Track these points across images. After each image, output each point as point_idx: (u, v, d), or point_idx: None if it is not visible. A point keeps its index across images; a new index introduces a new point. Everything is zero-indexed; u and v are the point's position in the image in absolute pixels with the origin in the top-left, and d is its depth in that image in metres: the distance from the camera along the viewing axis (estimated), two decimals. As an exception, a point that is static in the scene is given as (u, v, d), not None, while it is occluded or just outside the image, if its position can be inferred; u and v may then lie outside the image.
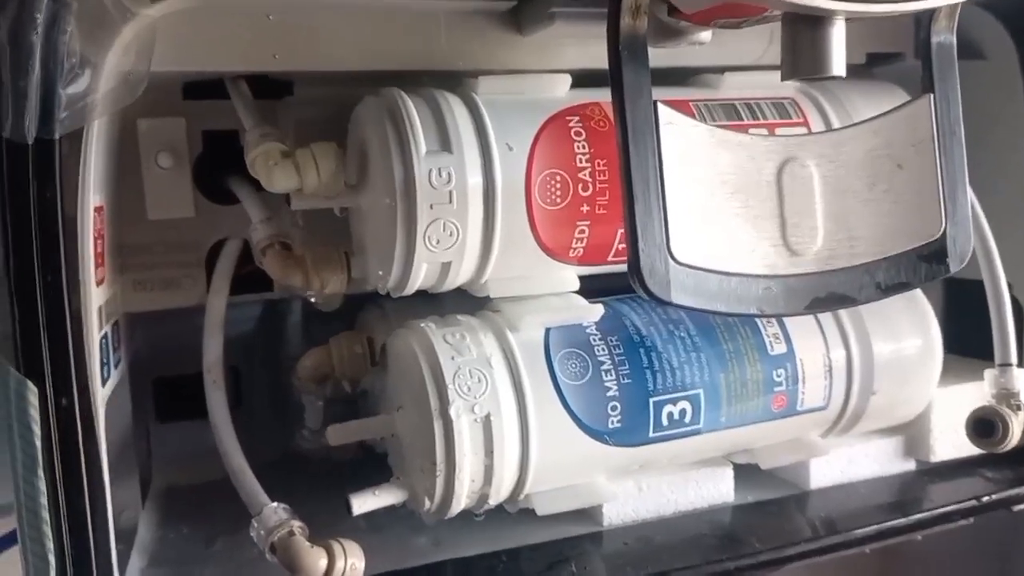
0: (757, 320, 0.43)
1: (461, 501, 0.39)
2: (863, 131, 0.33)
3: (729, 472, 0.46)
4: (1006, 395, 0.44)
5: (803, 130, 0.43)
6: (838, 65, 0.30)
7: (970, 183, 0.46)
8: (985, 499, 0.47)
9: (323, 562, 0.37)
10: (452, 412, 0.37)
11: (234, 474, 0.40)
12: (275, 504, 0.39)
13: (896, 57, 0.49)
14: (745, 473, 0.46)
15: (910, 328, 0.46)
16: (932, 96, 0.33)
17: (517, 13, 0.40)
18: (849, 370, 0.45)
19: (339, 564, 0.37)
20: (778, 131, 0.42)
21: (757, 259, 0.31)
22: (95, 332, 0.35)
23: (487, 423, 0.38)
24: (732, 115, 0.42)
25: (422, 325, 0.40)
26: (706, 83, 0.44)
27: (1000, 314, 0.45)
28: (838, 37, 0.30)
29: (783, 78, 0.31)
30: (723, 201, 0.31)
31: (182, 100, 0.43)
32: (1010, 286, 0.46)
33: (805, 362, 0.44)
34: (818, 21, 0.29)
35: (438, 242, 0.37)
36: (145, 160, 0.42)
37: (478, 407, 0.38)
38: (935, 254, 0.33)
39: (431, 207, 0.36)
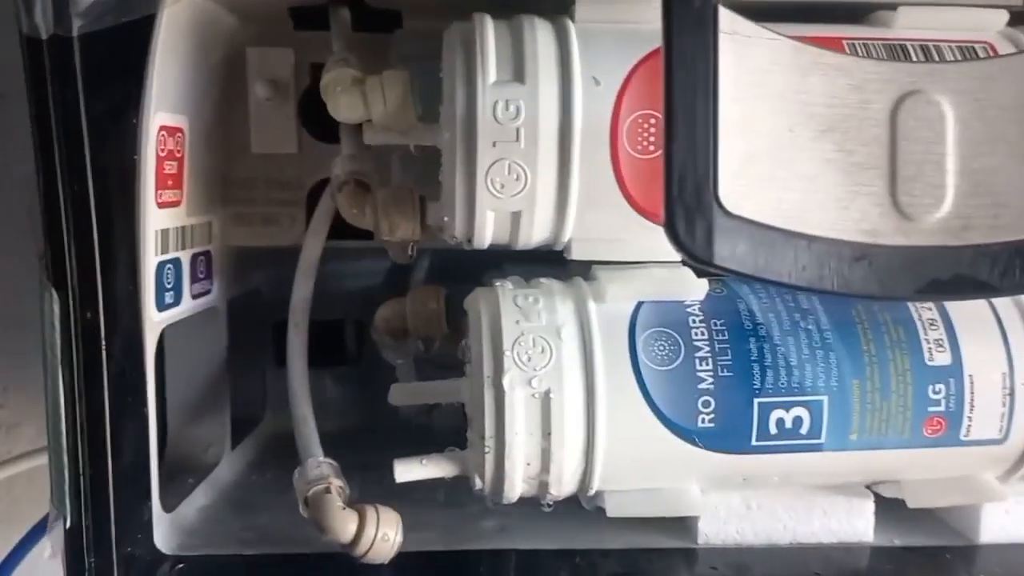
0: (915, 318, 0.35)
1: (516, 485, 0.34)
2: (1030, 61, 0.24)
3: (869, 504, 0.37)
4: None
5: (997, 83, 0.33)
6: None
7: None
8: None
9: (352, 527, 0.34)
10: (505, 382, 0.33)
11: (296, 421, 0.38)
12: (321, 458, 0.36)
13: None
14: (892, 508, 0.37)
15: None
16: None
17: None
18: (1041, 397, 0.35)
19: (369, 531, 0.34)
20: (960, 82, 0.33)
21: (851, 220, 0.24)
22: (150, 254, 0.34)
23: (546, 400, 0.33)
24: (896, 56, 0.33)
25: (497, 284, 0.35)
26: (880, 20, 0.36)
27: None
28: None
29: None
30: (808, 140, 0.24)
31: (292, 31, 0.41)
32: None
33: (976, 379, 0.34)
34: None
35: (503, 186, 0.32)
36: (251, 90, 0.41)
37: (536, 381, 0.33)
38: None
39: (494, 144, 0.32)
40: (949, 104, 0.24)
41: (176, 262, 0.37)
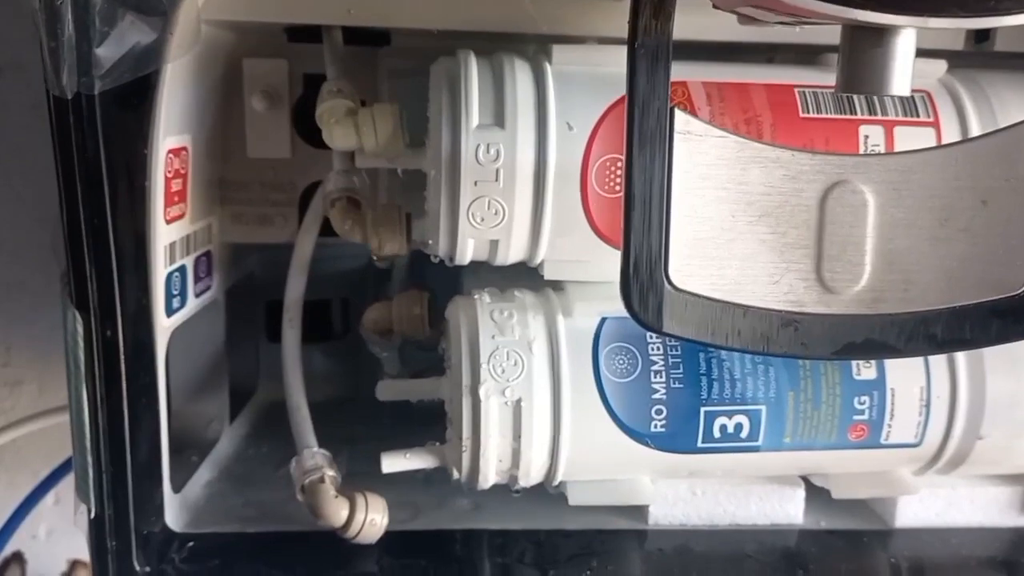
0: (846, 338, 0.39)
1: (489, 477, 0.39)
2: (943, 157, 0.28)
3: (800, 492, 0.42)
4: None
5: (931, 132, 0.37)
6: (900, 84, 0.25)
7: None
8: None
9: (344, 513, 0.38)
10: (482, 392, 0.37)
11: (291, 410, 0.42)
12: (316, 449, 0.40)
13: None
14: (822, 495, 0.42)
15: (1043, 369, 0.40)
16: (1045, 123, 0.27)
17: (613, -26, 0.37)
18: (952, 408, 0.39)
19: (359, 517, 0.38)
20: (898, 130, 0.37)
21: (780, 292, 0.28)
22: (160, 269, 0.37)
23: (517, 408, 0.37)
24: (843, 107, 0.37)
25: (476, 297, 0.39)
26: (830, 63, 0.39)
27: None
28: (903, 51, 0.25)
29: (836, 91, 0.27)
30: (747, 224, 0.27)
31: (287, 43, 0.43)
32: None
33: (897, 392, 0.39)
34: (880, 33, 0.25)
35: (482, 220, 0.36)
36: (247, 100, 0.44)
37: (509, 391, 0.37)
38: (1013, 311, 0.28)
39: (475, 184, 0.35)
40: (871, 193, 0.28)
41: (182, 269, 0.40)
